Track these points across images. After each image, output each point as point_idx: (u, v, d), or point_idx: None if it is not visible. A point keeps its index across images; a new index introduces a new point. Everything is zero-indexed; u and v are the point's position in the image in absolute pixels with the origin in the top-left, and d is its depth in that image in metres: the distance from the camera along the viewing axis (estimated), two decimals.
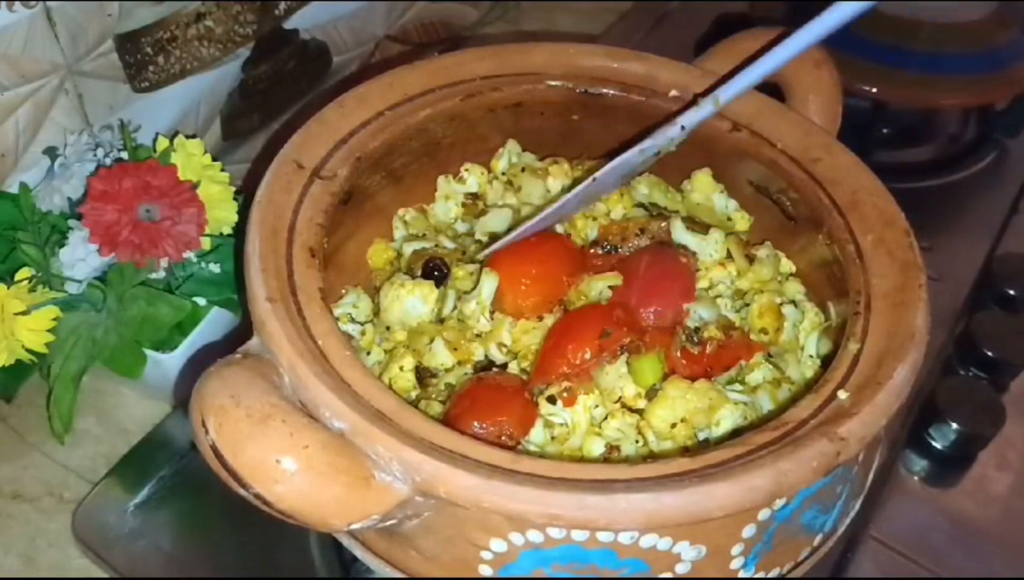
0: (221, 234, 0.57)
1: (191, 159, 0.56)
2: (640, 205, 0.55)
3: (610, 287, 0.49)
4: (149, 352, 0.56)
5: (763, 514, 0.39)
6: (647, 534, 0.37)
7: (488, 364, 0.49)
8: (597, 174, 0.49)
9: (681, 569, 0.39)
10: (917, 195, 0.81)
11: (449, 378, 0.48)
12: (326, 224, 0.47)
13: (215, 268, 0.57)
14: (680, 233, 0.52)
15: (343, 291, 0.54)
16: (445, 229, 0.57)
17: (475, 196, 0.58)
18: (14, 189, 0.58)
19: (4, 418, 0.63)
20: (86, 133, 0.61)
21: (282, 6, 0.73)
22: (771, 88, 0.57)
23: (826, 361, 0.49)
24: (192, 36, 0.67)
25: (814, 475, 0.37)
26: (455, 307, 0.50)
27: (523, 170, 0.57)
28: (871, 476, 0.48)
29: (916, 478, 0.62)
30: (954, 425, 0.61)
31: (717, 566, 0.40)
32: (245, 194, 0.56)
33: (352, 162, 0.49)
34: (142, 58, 0.64)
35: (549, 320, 0.49)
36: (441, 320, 0.50)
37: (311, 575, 0.55)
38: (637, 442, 0.45)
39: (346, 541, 0.43)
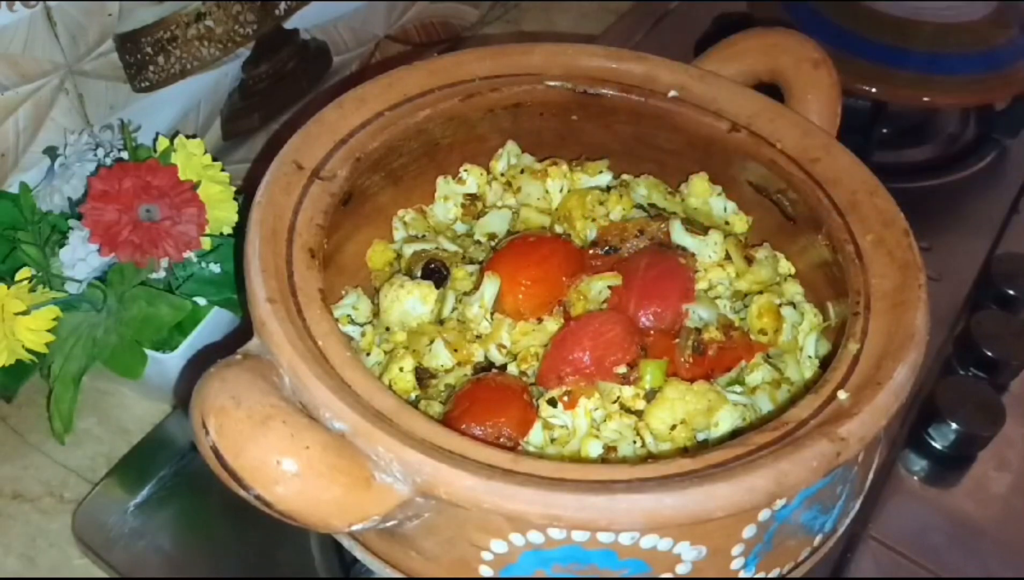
0: (221, 234, 0.57)
1: (191, 159, 0.56)
2: (639, 206, 0.55)
3: (609, 287, 0.49)
4: (149, 352, 0.56)
5: (763, 514, 0.39)
6: (648, 534, 0.37)
7: (488, 365, 0.49)
8: None
9: (681, 569, 0.39)
10: (917, 195, 0.81)
11: (449, 379, 0.48)
12: (326, 225, 0.47)
13: (215, 268, 0.57)
14: (679, 234, 0.52)
15: (343, 292, 0.54)
16: (444, 230, 0.57)
17: (474, 197, 0.58)
18: (14, 189, 0.58)
19: (4, 418, 0.63)
20: (86, 133, 0.61)
21: (282, 6, 0.73)
22: (771, 88, 0.57)
23: (825, 362, 0.49)
24: (192, 36, 0.67)
25: (814, 475, 0.37)
26: (455, 308, 0.51)
27: (522, 171, 0.57)
28: (871, 476, 0.48)
29: (916, 478, 0.62)
30: (954, 425, 0.61)
31: (717, 566, 0.40)
32: (245, 194, 0.56)
33: (352, 163, 0.49)
34: (142, 58, 0.64)
35: (549, 322, 0.49)
36: (441, 321, 0.50)
37: (311, 575, 0.55)
38: (635, 443, 0.45)
39: (346, 542, 0.43)
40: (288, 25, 0.75)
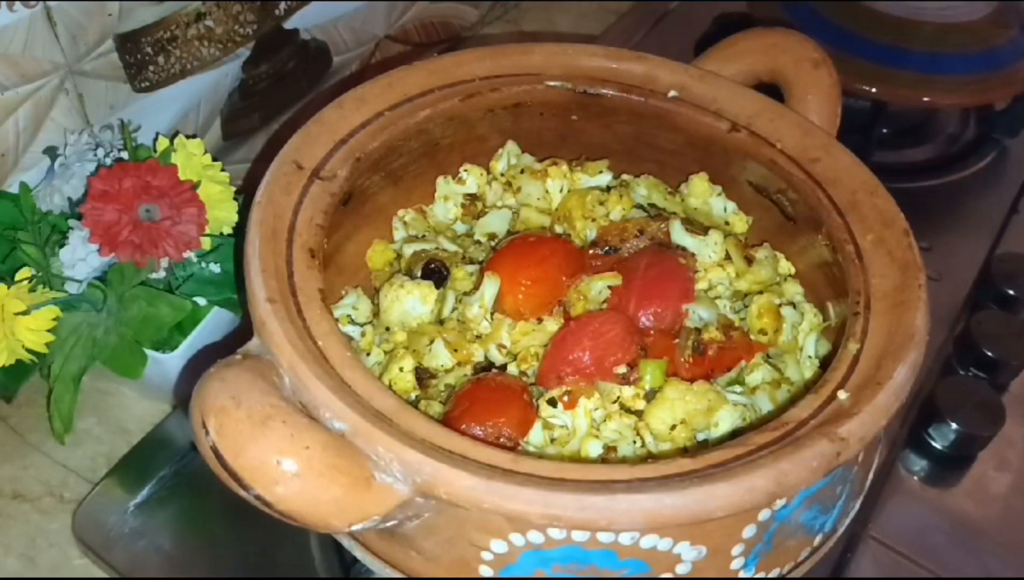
0: (221, 234, 0.57)
1: (191, 159, 0.56)
2: (639, 206, 0.55)
3: (609, 287, 0.49)
4: (149, 352, 0.56)
5: (763, 514, 0.39)
6: (648, 534, 0.37)
7: (488, 365, 0.49)
8: None
9: (681, 569, 0.39)
10: (917, 195, 0.81)
11: (449, 379, 0.48)
12: (326, 225, 0.47)
13: (215, 268, 0.57)
14: (679, 234, 0.52)
15: (343, 292, 0.54)
16: (444, 230, 0.57)
17: (474, 197, 0.58)
18: (14, 189, 0.58)
19: (4, 418, 0.63)
20: (86, 133, 0.61)
21: (282, 6, 0.73)
22: (771, 88, 0.57)
23: (825, 362, 0.49)
24: (192, 36, 0.67)
25: (814, 475, 0.37)
26: (455, 308, 0.51)
27: (522, 171, 0.57)
28: (871, 476, 0.48)
29: (916, 478, 0.62)
30: (954, 425, 0.61)
31: (717, 566, 0.40)
32: (245, 194, 0.56)
33: (352, 163, 0.49)
34: (142, 58, 0.64)
35: (549, 322, 0.49)
36: (441, 321, 0.50)
37: (311, 575, 0.55)
38: (635, 443, 0.45)
39: (346, 542, 0.43)
40: (288, 25, 0.75)
